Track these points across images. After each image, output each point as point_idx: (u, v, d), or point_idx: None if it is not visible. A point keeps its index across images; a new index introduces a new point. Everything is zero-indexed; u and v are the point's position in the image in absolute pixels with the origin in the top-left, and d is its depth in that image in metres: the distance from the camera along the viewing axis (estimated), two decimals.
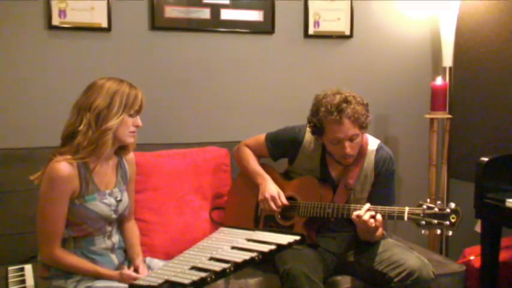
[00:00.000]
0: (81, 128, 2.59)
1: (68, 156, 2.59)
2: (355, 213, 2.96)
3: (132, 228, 3.00)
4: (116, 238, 2.84)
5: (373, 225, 2.92)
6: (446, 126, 4.35)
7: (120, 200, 2.81)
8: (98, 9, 3.70)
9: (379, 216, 2.93)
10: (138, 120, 2.75)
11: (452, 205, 2.82)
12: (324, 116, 3.00)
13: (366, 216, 2.92)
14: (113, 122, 2.62)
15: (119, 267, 2.78)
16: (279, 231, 2.43)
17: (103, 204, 2.70)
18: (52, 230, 2.60)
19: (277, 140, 3.38)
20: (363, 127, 3.05)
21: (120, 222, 2.93)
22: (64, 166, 2.57)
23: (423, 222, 2.84)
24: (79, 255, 2.68)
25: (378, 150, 3.21)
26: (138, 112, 2.74)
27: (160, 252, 3.31)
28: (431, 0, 4.39)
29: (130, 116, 2.70)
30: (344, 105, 2.97)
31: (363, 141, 3.18)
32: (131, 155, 2.96)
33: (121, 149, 2.85)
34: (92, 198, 2.66)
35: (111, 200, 2.75)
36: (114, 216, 2.77)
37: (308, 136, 3.25)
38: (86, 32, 3.72)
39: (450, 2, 4.18)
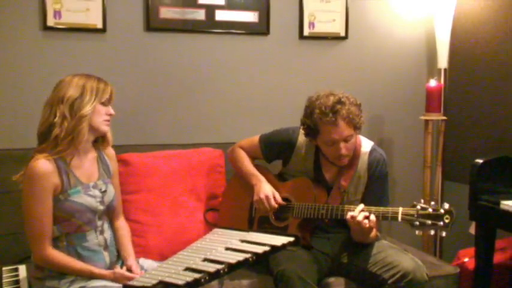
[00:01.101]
0: (56, 120, 2.64)
1: (46, 154, 2.63)
2: (349, 214, 2.96)
3: (123, 227, 3.02)
4: (108, 234, 2.85)
5: (367, 226, 2.93)
6: (441, 128, 4.35)
7: (105, 191, 2.83)
8: (93, 10, 3.70)
9: (373, 217, 2.93)
10: (110, 109, 2.81)
11: (446, 206, 2.82)
12: (319, 117, 3.00)
13: (360, 217, 2.92)
14: (87, 109, 2.67)
15: (110, 266, 2.79)
16: (273, 232, 2.43)
17: (88, 196, 2.72)
18: (40, 229, 2.62)
19: (270, 142, 3.38)
20: (357, 127, 3.06)
21: (110, 219, 2.94)
22: (41, 163, 2.60)
23: (417, 223, 2.84)
24: (72, 253, 2.69)
25: (371, 152, 3.22)
26: (109, 101, 2.79)
27: (154, 253, 3.31)
28: (426, 1, 4.40)
29: (103, 104, 2.75)
30: (338, 106, 2.98)
31: (357, 143, 3.18)
32: (111, 151, 3.01)
33: (99, 142, 2.90)
34: (75, 192, 2.69)
35: (96, 192, 2.77)
36: (101, 207, 2.78)
37: (301, 138, 3.26)
38: (81, 33, 3.72)
39: (445, 2, 4.18)
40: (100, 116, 2.74)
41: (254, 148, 3.44)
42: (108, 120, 2.80)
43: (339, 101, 3.00)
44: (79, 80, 2.71)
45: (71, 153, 2.70)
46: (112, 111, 2.80)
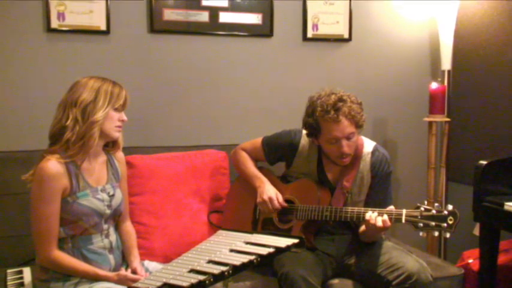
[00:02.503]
0: (68, 123, 2.63)
1: (57, 155, 2.62)
2: (368, 214, 2.95)
3: (129, 230, 3.02)
4: (113, 237, 2.85)
5: (383, 226, 2.91)
6: (445, 130, 4.35)
7: (113, 195, 2.83)
8: (96, 12, 3.71)
9: (386, 217, 2.92)
10: (123, 115, 2.80)
11: (450, 207, 2.82)
12: (321, 115, 3.00)
13: (379, 222, 2.91)
14: (99, 115, 2.66)
15: (115, 268, 2.79)
16: (278, 234, 2.43)
17: (96, 200, 2.72)
18: (47, 230, 2.62)
19: (273, 144, 3.38)
20: (359, 125, 3.06)
21: (116, 222, 2.94)
22: (52, 164, 2.60)
23: (421, 225, 2.84)
24: (77, 255, 2.69)
25: (373, 152, 3.21)
26: (123, 107, 2.78)
27: (158, 255, 3.31)
28: (429, 4, 4.40)
29: (116, 110, 2.74)
30: (340, 103, 2.99)
31: (359, 143, 3.18)
32: (121, 155, 3.00)
33: (109, 146, 2.90)
34: (84, 195, 2.69)
35: (104, 196, 2.77)
36: (108, 211, 2.78)
37: (304, 140, 3.26)
38: (84, 34, 3.72)
39: (449, 5, 4.18)
40: (112, 121, 2.73)
41: (257, 150, 3.44)
42: (120, 126, 2.79)
43: (341, 99, 3.01)
44: (94, 83, 2.70)
45: (82, 157, 2.70)
46: (124, 118, 2.80)
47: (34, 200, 2.63)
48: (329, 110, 2.98)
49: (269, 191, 3.24)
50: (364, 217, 2.97)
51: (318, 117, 3.03)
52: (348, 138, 3.03)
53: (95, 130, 2.65)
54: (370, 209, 2.98)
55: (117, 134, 2.80)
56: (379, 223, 2.90)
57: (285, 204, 3.22)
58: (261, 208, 3.27)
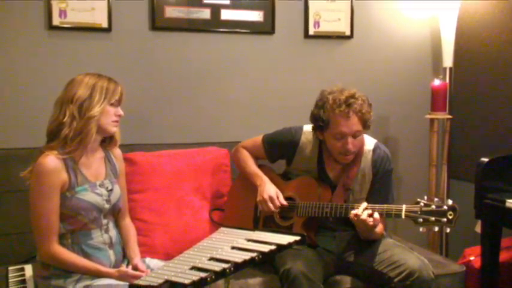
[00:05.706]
0: (65, 119, 2.65)
1: (55, 152, 2.64)
2: (353, 212, 2.96)
3: (129, 227, 3.04)
4: (113, 233, 2.86)
5: (371, 223, 2.93)
6: (447, 127, 4.35)
7: (111, 190, 2.84)
8: (98, 10, 3.71)
9: (376, 215, 2.93)
10: (119, 109, 2.82)
11: (450, 202, 2.82)
12: (332, 108, 3.00)
13: (364, 215, 2.92)
14: (95, 110, 2.68)
15: (115, 264, 2.80)
16: (279, 231, 2.43)
17: (95, 194, 2.74)
18: (47, 225, 2.63)
19: (273, 142, 3.38)
20: (366, 125, 3.07)
21: (116, 219, 2.96)
22: (50, 159, 2.62)
23: (420, 220, 2.84)
24: (77, 250, 2.70)
25: (374, 150, 3.22)
26: (119, 102, 2.81)
27: (160, 253, 3.31)
28: (431, 1, 4.39)
29: (112, 105, 2.76)
30: (352, 100, 3.00)
31: None
32: (119, 151, 3.03)
33: (107, 142, 2.91)
34: (82, 189, 2.70)
35: (103, 191, 2.79)
36: (107, 206, 2.79)
37: (304, 137, 3.26)
38: (86, 32, 3.72)
39: (450, 2, 4.18)
40: (109, 117, 2.75)
41: (257, 148, 3.43)
42: (117, 121, 2.81)
43: (353, 96, 3.03)
44: (90, 79, 2.73)
45: (80, 153, 2.72)
46: (121, 112, 2.82)
47: (33, 195, 2.65)
48: (341, 104, 2.99)
49: (269, 190, 3.24)
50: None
51: (329, 110, 3.03)
52: (355, 136, 3.04)
53: (92, 125, 2.68)
54: (370, 205, 2.99)
55: (114, 129, 2.82)
56: (364, 216, 2.91)
57: (285, 203, 3.21)
58: (261, 207, 3.26)
